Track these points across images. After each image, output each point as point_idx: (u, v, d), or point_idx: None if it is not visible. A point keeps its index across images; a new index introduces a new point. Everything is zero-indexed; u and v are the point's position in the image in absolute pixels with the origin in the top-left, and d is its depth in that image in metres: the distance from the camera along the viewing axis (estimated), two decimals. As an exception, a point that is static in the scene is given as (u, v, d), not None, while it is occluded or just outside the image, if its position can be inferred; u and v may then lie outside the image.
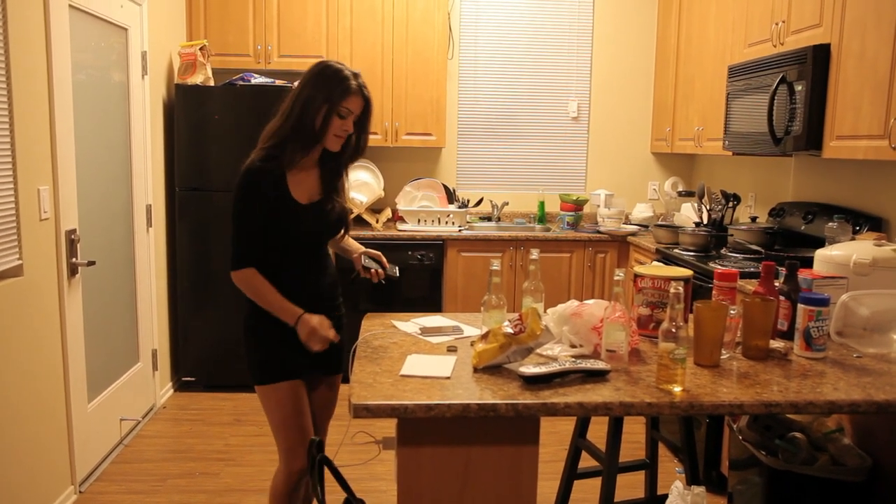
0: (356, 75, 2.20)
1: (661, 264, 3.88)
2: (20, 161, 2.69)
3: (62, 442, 3.03)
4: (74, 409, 3.10)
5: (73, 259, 3.08)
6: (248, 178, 2.13)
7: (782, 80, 3.19)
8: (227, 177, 4.28)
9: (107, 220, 3.55)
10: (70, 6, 3.08)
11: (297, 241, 2.22)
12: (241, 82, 4.33)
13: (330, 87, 2.13)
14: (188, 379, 4.46)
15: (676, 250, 3.92)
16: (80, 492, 3.16)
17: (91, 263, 3.17)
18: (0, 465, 2.56)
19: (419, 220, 4.74)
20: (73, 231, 3.09)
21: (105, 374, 3.51)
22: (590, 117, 5.28)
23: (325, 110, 2.13)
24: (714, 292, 2.24)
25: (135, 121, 3.85)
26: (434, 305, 4.59)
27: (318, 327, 2.11)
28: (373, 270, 2.39)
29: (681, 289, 1.78)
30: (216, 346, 4.42)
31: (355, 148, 2.27)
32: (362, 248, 2.47)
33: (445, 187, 4.92)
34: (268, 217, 2.13)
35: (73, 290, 3.10)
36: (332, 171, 2.28)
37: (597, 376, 1.84)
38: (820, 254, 2.51)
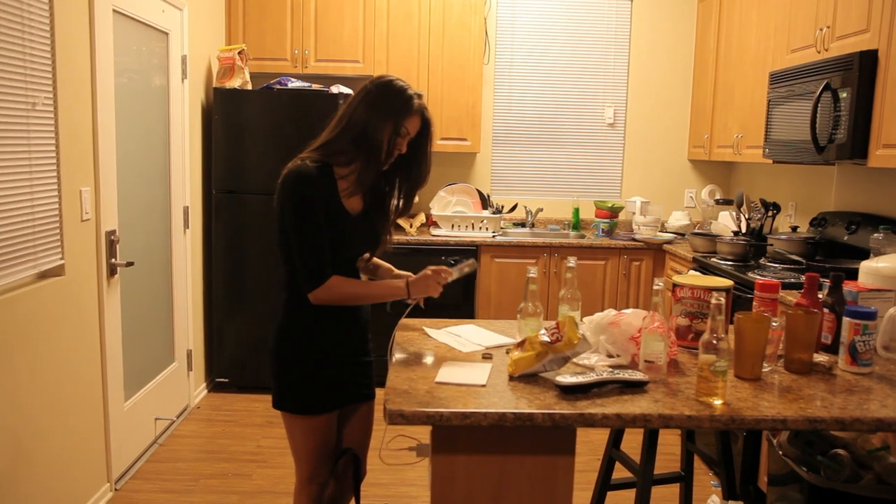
0: (419, 95, 2.10)
1: (698, 273, 3.83)
2: (63, 163, 2.74)
3: (99, 440, 3.08)
4: (111, 408, 3.15)
5: (113, 259, 3.13)
6: (305, 182, 1.98)
7: (826, 87, 3.12)
8: (263, 180, 4.32)
9: (145, 222, 3.60)
10: (114, 11, 3.13)
11: (343, 256, 2.09)
12: (279, 86, 4.36)
13: (396, 104, 2.03)
14: (221, 380, 4.50)
15: (714, 259, 3.85)
16: (115, 489, 3.20)
17: (130, 264, 3.22)
18: (39, 462, 2.61)
19: (453, 226, 4.73)
20: (113, 232, 3.13)
21: (141, 373, 3.56)
22: (626, 123, 5.23)
23: (390, 128, 2.03)
24: (755, 303, 2.20)
25: (174, 124, 3.90)
26: (467, 311, 4.57)
27: (429, 280, 2.11)
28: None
29: (722, 300, 1.74)
30: (249, 348, 4.45)
31: (418, 174, 2.16)
32: (401, 272, 2.37)
33: (480, 193, 4.90)
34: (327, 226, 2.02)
35: (112, 290, 3.14)
36: (377, 185, 2.18)
37: (635, 387, 1.81)
38: (865, 265, 2.45)
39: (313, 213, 1.98)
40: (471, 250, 4.55)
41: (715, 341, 1.71)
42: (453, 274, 2.15)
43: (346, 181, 2.06)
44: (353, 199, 2.11)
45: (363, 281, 2.08)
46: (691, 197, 5.28)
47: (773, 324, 1.98)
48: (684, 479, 2.72)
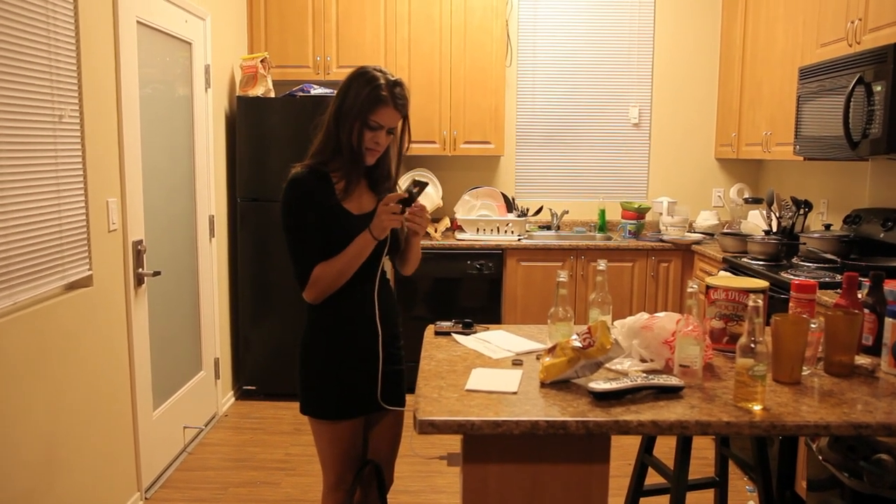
0: (392, 84, 2.01)
1: (728, 274, 3.76)
2: (90, 174, 2.75)
3: (129, 448, 3.08)
4: (140, 417, 3.16)
5: (140, 269, 3.14)
6: (296, 188, 2.02)
7: (859, 81, 3.05)
8: (287, 187, 4.31)
9: (171, 231, 3.61)
10: (138, 22, 3.15)
11: None
12: (301, 93, 4.37)
13: (360, 97, 1.99)
14: (249, 387, 4.51)
15: (745, 259, 3.78)
16: (146, 498, 3.21)
17: (157, 274, 3.23)
18: (71, 471, 2.62)
19: (478, 229, 4.70)
20: (140, 242, 3.14)
21: (169, 382, 3.57)
22: (651, 123, 5.16)
23: (357, 126, 2.01)
24: (791, 304, 2.14)
25: (198, 133, 3.92)
26: (493, 315, 4.54)
27: (381, 213, 1.96)
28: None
29: (760, 301, 1.69)
30: (276, 355, 4.45)
31: (398, 155, 2.14)
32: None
33: (504, 196, 4.87)
34: (320, 228, 2.02)
35: (139, 300, 3.15)
36: (382, 181, 2.16)
37: (670, 393, 1.77)
38: (905, 264, 2.37)
39: (297, 219, 2.01)
40: (496, 254, 4.51)
41: (753, 345, 1.66)
42: (403, 198, 1.99)
43: (341, 183, 2.06)
44: (356, 200, 2.09)
45: (338, 258, 2.01)
46: (719, 196, 5.20)
47: (812, 325, 1.92)
48: (719, 484, 2.66)
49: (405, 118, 2.09)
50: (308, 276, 2.03)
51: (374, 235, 2.00)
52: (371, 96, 1.99)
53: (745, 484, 3.35)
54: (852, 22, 3.23)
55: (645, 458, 2.51)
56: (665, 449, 3.24)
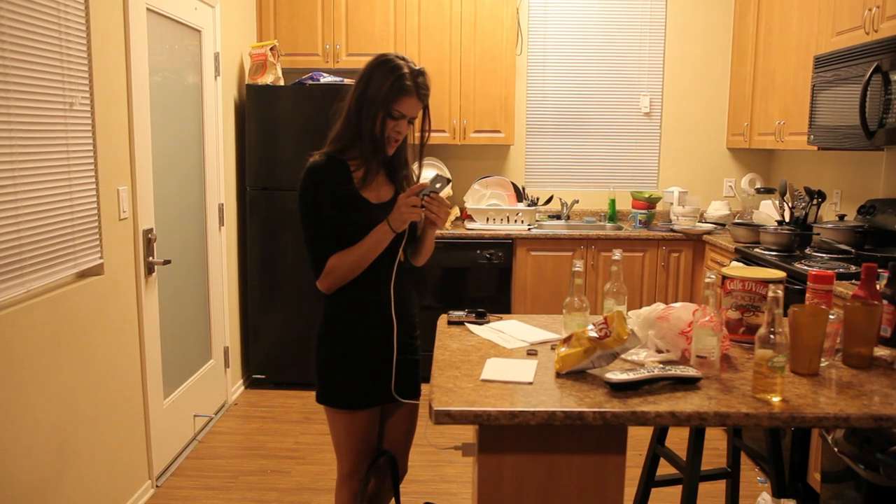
0: (416, 73, 2.00)
1: (741, 264, 3.73)
2: (101, 162, 2.74)
3: (140, 437, 3.09)
4: (151, 405, 3.16)
5: (150, 258, 3.13)
6: (313, 176, 2.01)
7: (876, 70, 3.01)
8: (296, 176, 4.28)
9: (181, 220, 3.60)
10: (148, 9, 3.13)
11: None
12: (311, 81, 4.34)
13: (384, 87, 1.97)
14: (258, 376, 4.51)
15: (757, 250, 3.75)
16: (157, 486, 3.21)
17: (167, 262, 3.22)
18: (82, 459, 2.62)
19: (488, 219, 4.67)
20: (150, 230, 3.14)
21: (179, 370, 3.57)
22: (662, 112, 5.12)
23: (380, 115, 1.98)
24: (808, 295, 2.11)
25: (208, 121, 3.90)
26: (503, 305, 4.52)
27: (401, 206, 1.95)
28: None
29: (780, 292, 1.67)
30: (285, 344, 4.45)
31: (419, 144, 2.14)
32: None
33: (514, 185, 4.84)
34: (337, 217, 2.01)
35: (149, 289, 3.15)
36: (399, 169, 2.16)
37: (687, 384, 1.75)
38: (923, 254, 2.35)
39: (314, 207, 2.00)
40: (506, 243, 4.49)
41: (772, 335, 1.64)
42: (425, 191, 2.00)
43: (359, 171, 2.04)
44: (374, 189, 2.08)
45: (353, 249, 2.00)
46: (731, 186, 5.16)
47: (831, 316, 1.90)
48: (731, 475, 2.65)
49: (426, 107, 2.07)
50: (323, 265, 2.02)
51: (393, 228, 1.99)
52: (395, 86, 1.97)
53: (755, 475, 3.34)
54: (870, 9, 3.19)
55: (657, 449, 2.50)
56: (677, 440, 3.23)
